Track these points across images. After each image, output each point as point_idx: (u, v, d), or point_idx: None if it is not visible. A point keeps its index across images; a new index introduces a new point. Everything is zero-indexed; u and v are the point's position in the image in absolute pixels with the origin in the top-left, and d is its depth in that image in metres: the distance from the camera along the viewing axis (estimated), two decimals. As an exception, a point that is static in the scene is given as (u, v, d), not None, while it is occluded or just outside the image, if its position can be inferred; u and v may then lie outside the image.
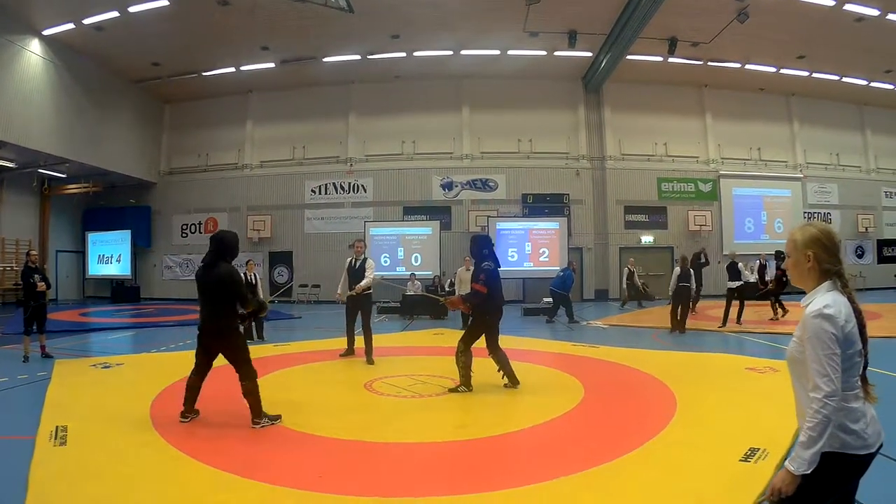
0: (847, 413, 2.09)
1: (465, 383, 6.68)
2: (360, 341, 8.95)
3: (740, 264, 13.66)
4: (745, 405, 5.78)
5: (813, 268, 2.24)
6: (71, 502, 3.60)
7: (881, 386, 2.32)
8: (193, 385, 5.45)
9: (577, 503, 3.59)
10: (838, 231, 2.39)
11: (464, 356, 6.69)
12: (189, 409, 5.45)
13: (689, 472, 3.99)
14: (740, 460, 4.08)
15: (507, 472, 4.11)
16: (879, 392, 2.22)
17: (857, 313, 2.17)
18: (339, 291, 9.15)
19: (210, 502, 3.62)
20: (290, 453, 4.60)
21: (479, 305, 6.88)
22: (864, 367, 2.18)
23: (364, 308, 8.99)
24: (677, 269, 12.66)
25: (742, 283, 13.45)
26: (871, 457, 2.12)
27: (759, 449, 4.21)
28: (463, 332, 7.11)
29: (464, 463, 4.36)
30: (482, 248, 7.09)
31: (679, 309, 12.43)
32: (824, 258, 2.22)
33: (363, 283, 8.80)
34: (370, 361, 8.59)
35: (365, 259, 9.08)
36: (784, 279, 13.82)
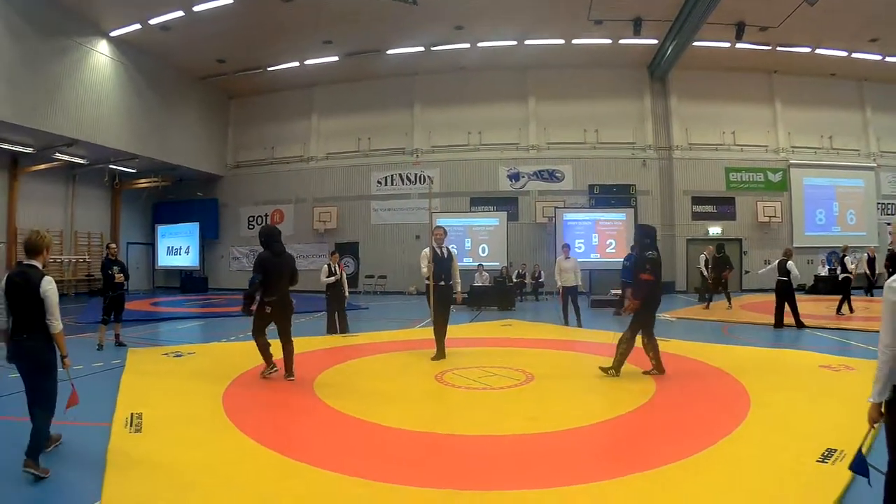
0: None
1: (617, 367, 6.89)
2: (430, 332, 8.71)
3: (847, 257, 13.33)
4: (820, 404, 5.61)
5: None
6: (147, 487, 3.72)
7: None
8: (266, 344, 6.90)
9: (649, 502, 3.53)
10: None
11: (626, 344, 6.90)
12: (270, 363, 6.89)
13: (766, 472, 3.89)
14: (817, 461, 3.97)
15: (578, 468, 4.07)
16: None
17: None
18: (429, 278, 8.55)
19: (279, 489, 3.72)
20: (360, 443, 4.65)
21: (647, 295, 6.96)
22: None
23: (450, 302, 8.76)
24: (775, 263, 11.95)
25: (846, 275, 13.14)
26: None
27: (836, 450, 4.08)
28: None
29: (534, 457, 4.30)
30: (644, 237, 7.24)
31: (784, 305, 11.63)
32: None
33: (459, 287, 8.60)
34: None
35: (449, 251, 8.80)
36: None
